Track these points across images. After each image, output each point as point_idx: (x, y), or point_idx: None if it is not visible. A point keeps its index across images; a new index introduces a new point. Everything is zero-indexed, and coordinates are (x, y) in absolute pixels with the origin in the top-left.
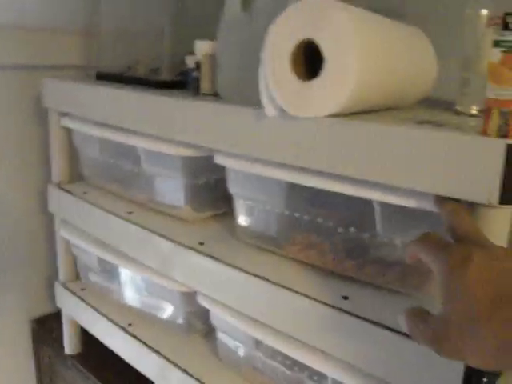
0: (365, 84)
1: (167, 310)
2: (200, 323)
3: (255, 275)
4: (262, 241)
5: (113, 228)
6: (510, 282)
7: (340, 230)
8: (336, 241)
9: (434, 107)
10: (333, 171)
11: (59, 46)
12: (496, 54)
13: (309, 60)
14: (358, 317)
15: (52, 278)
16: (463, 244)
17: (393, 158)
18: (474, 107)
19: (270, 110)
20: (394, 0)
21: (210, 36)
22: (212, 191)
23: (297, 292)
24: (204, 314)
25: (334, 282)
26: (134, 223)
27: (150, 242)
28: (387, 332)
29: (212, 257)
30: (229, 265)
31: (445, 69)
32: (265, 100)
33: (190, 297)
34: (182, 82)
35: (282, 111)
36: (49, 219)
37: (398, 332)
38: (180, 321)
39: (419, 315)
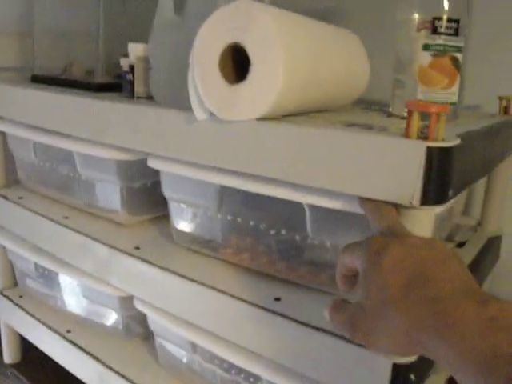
0: (292, 86)
1: (106, 316)
2: (139, 327)
3: (190, 279)
4: (197, 244)
5: (49, 233)
6: (423, 267)
7: (272, 232)
8: (269, 243)
9: (369, 109)
10: (261, 174)
11: None
12: (426, 58)
13: (238, 63)
14: (290, 318)
15: None
16: (381, 236)
17: (319, 161)
18: (406, 110)
19: (199, 114)
20: (328, 2)
21: (147, 38)
22: (148, 195)
23: (231, 295)
24: (143, 319)
25: (267, 284)
26: (70, 228)
27: (86, 247)
28: (318, 333)
29: (147, 261)
30: (164, 269)
31: (379, 70)
32: (194, 104)
33: (127, 301)
34: (117, 85)
35: (211, 115)
36: None
37: (330, 333)
38: (119, 326)
39: (340, 305)
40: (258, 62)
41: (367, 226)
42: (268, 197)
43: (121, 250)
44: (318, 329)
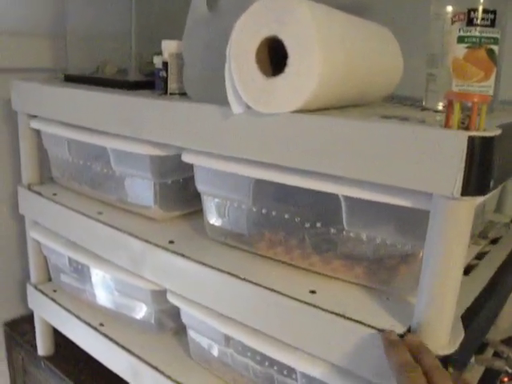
0: (328, 80)
1: (138, 309)
2: (171, 321)
3: (224, 272)
4: (230, 238)
5: (83, 228)
6: None
7: (307, 225)
8: (303, 236)
9: (400, 104)
10: (297, 166)
11: (28, 49)
12: (460, 50)
13: (275, 56)
14: (325, 310)
15: (24, 280)
16: None
17: (358, 152)
18: (440, 103)
19: (236, 107)
20: None
21: (179, 36)
22: (181, 190)
23: (266, 287)
24: (175, 313)
25: (302, 276)
26: (104, 223)
27: (120, 242)
28: (354, 324)
29: (181, 255)
30: (198, 262)
31: (411, 66)
32: (231, 97)
33: (160, 295)
34: (150, 83)
35: (247, 108)
36: (20, 221)
37: (364, 324)
38: (151, 319)
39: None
40: (296, 54)
41: (403, 218)
42: (303, 190)
43: (155, 244)
44: (354, 320)
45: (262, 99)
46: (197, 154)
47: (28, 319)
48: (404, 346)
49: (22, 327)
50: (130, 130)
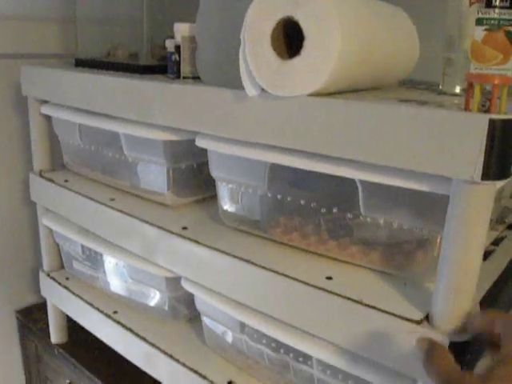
0: (345, 62)
1: (152, 297)
2: (185, 308)
3: (239, 258)
4: (245, 224)
5: (95, 215)
6: None
7: (323, 210)
8: (319, 222)
9: (416, 88)
10: (314, 150)
11: (38, 35)
12: (479, 33)
13: (290, 38)
14: (342, 296)
15: (37, 268)
16: None
17: (376, 136)
18: (458, 87)
19: (250, 90)
20: None
21: (191, 19)
22: (195, 176)
23: (281, 274)
24: (189, 299)
25: (317, 262)
26: (117, 210)
27: (133, 229)
28: (370, 311)
29: (195, 241)
30: (212, 248)
31: (426, 49)
32: (245, 80)
33: (174, 282)
34: (162, 67)
35: (262, 91)
36: (32, 209)
37: (381, 310)
38: (165, 307)
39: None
40: (312, 36)
41: (421, 203)
42: (319, 174)
43: (168, 231)
44: (371, 307)
45: (278, 82)
46: (211, 138)
47: (40, 307)
48: (446, 353)
49: (34, 315)
50: (143, 115)
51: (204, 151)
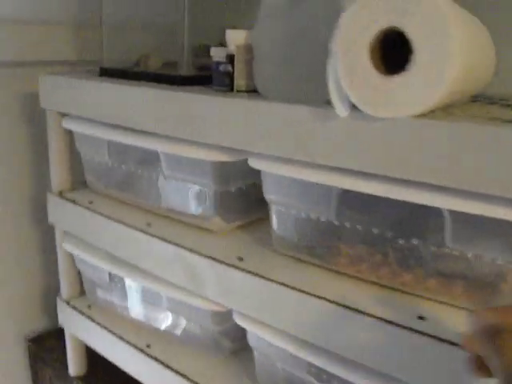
0: (456, 79)
1: (193, 330)
2: (229, 342)
3: (308, 293)
4: (303, 253)
5: (129, 242)
6: None
7: (400, 241)
8: (393, 253)
9: (492, 103)
10: (411, 178)
11: (50, 40)
12: None
13: (386, 51)
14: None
15: (47, 292)
16: None
17: (482, 162)
18: None
19: (341, 110)
20: None
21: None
22: (243, 198)
23: (362, 312)
24: (235, 333)
25: (400, 298)
26: (157, 237)
27: (175, 258)
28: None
29: (255, 273)
30: (274, 281)
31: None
32: (335, 98)
33: (221, 316)
34: (203, 77)
35: (356, 111)
36: (41, 228)
37: None
38: (208, 340)
39: None
40: (424, 48)
41: None
42: (398, 202)
43: (222, 262)
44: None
45: (378, 101)
46: (271, 159)
47: (54, 334)
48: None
49: (48, 343)
50: (190, 133)
51: (253, 172)
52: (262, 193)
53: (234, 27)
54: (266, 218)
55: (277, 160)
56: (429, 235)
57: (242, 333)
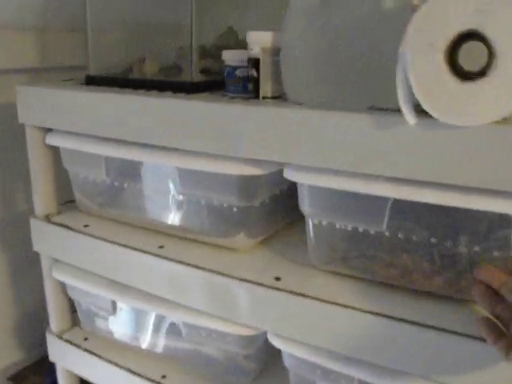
0: None
1: (215, 355)
2: (254, 365)
3: (356, 308)
4: (346, 267)
5: (138, 267)
6: None
7: (462, 249)
8: (453, 262)
9: None
10: (495, 187)
11: (25, 46)
12: None
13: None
14: None
15: (22, 325)
16: None
17: None
18: None
19: (410, 117)
20: None
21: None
22: (266, 211)
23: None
24: (261, 355)
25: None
26: (175, 260)
27: (198, 281)
28: None
29: (297, 293)
30: (319, 300)
31: None
32: (404, 105)
33: (248, 339)
34: (212, 83)
35: (428, 118)
36: (8, 254)
37: None
38: (232, 366)
39: None
40: (507, 53)
41: None
42: (456, 209)
43: (259, 283)
44: None
45: (456, 108)
46: (314, 171)
47: (34, 369)
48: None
49: (30, 381)
50: (215, 146)
51: (278, 183)
52: (281, 204)
53: (230, 28)
54: (283, 230)
55: (324, 172)
56: (492, 242)
57: (266, 355)
